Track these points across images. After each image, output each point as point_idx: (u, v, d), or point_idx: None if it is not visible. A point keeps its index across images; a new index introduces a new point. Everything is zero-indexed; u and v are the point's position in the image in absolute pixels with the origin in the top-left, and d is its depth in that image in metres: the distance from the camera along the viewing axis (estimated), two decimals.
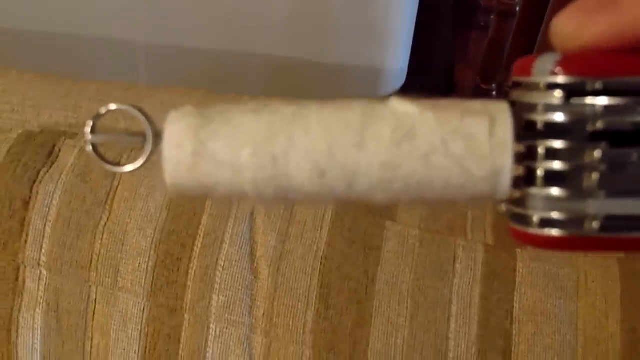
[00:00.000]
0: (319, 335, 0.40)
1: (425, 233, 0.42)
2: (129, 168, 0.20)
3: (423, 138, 0.19)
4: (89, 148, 0.20)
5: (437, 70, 0.87)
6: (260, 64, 0.72)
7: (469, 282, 0.41)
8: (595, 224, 0.18)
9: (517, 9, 0.73)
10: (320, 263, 0.41)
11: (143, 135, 0.20)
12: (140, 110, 0.20)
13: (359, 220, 0.42)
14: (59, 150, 0.44)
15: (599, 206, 0.18)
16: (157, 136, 0.20)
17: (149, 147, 0.20)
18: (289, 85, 0.74)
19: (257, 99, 0.49)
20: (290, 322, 0.40)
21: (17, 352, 0.42)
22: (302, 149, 0.19)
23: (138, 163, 0.20)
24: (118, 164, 0.21)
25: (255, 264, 0.41)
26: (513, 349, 0.39)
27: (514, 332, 0.39)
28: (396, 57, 0.74)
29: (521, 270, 0.41)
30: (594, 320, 0.39)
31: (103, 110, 0.20)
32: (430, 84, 0.85)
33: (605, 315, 0.39)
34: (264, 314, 0.41)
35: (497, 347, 0.39)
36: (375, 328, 0.40)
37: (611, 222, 0.18)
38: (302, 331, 0.40)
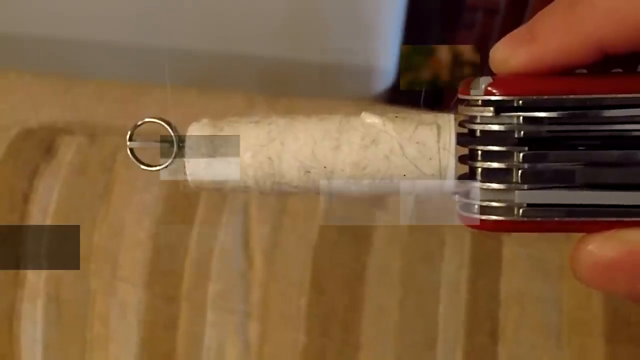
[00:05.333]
0: (313, 321, 0.41)
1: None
2: (159, 168, 0.25)
3: (385, 143, 0.23)
4: (128, 152, 0.25)
5: None
6: (252, 64, 0.74)
7: (457, 268, 0.42)
8: (521, 211, 0.22)
9: (502, 6, 0.75)
10: (313, 251, 0.42)
11: (169, 141, 0.25)
12: (168, 123, 0.25)
13: (350, 210, 0.43)
14: (58, 147, 0.45)
15: (523, 196, 0.22)
16: (181, 141, 0.25)
17: (174, 151, 0.25)
18: (280, 85, 0.75)
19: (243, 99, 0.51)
20: (285, 309, 0.42)
21: (19, 343, 0.43)
22: (292, 152, 0.24)
23: (167, 163, 0.25)
24: (151, 165, 0.26)
25: (249, 253, 0.43)
26: (500, 330, 0.41)
27: (501, 315, 0.41)
28: (386, 56, 0.75)
29: (507, 255, 0.42)
30: (578, 302, 0.41)
31: (139, 122, 0.25)
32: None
33: (589, 296, 0.41)
34: (258, 301, 0.42)
35: (484, 329, 0.41)
36: (367, 313, 0.41)
37: (532, 209, 0.22)
38: (296, 317, 0.41)
